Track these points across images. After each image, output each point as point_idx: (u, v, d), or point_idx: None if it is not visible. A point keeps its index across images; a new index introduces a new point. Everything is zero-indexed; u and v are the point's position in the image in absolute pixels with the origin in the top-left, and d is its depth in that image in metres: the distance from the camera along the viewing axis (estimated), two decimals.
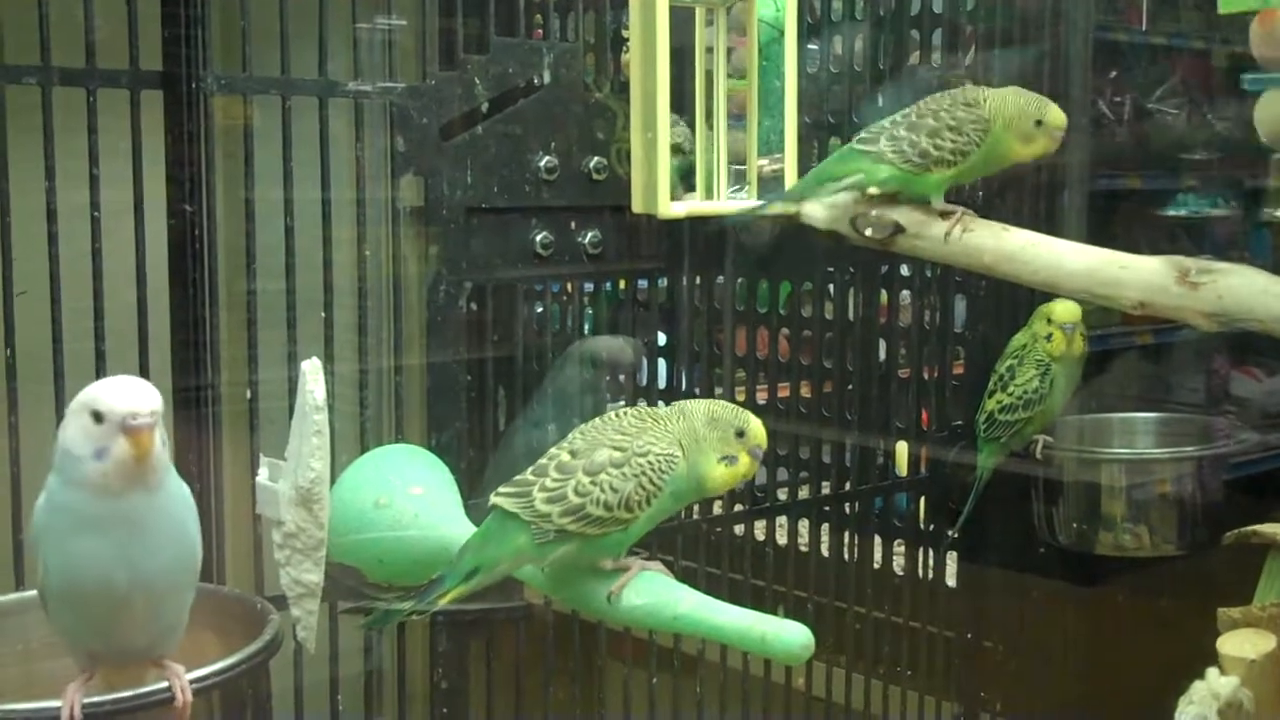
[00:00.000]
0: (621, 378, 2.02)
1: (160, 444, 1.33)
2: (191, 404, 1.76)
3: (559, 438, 1.60)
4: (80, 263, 1.68)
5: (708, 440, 1.56)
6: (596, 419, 1.59)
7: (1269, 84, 2.27)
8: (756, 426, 1.58)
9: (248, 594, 1.65)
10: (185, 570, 1.41)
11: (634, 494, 1.50)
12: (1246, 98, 2.41)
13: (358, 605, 1.59)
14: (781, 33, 2.02)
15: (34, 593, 1.47)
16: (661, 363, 2.64)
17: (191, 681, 1.36)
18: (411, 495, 1.68)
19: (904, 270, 2.48)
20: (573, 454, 1.52)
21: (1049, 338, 2.34)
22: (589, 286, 2.17)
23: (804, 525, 2.41)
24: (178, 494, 1.39)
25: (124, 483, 1.31)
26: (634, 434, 1.54)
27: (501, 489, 1.53)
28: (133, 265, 1.71)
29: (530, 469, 1.54)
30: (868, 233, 1.99)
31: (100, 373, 1.66)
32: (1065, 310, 2.33)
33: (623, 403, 2.06)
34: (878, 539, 2.50)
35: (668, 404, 2.27)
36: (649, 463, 1.52)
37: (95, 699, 1.32)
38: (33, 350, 1.66)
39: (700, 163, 2.01)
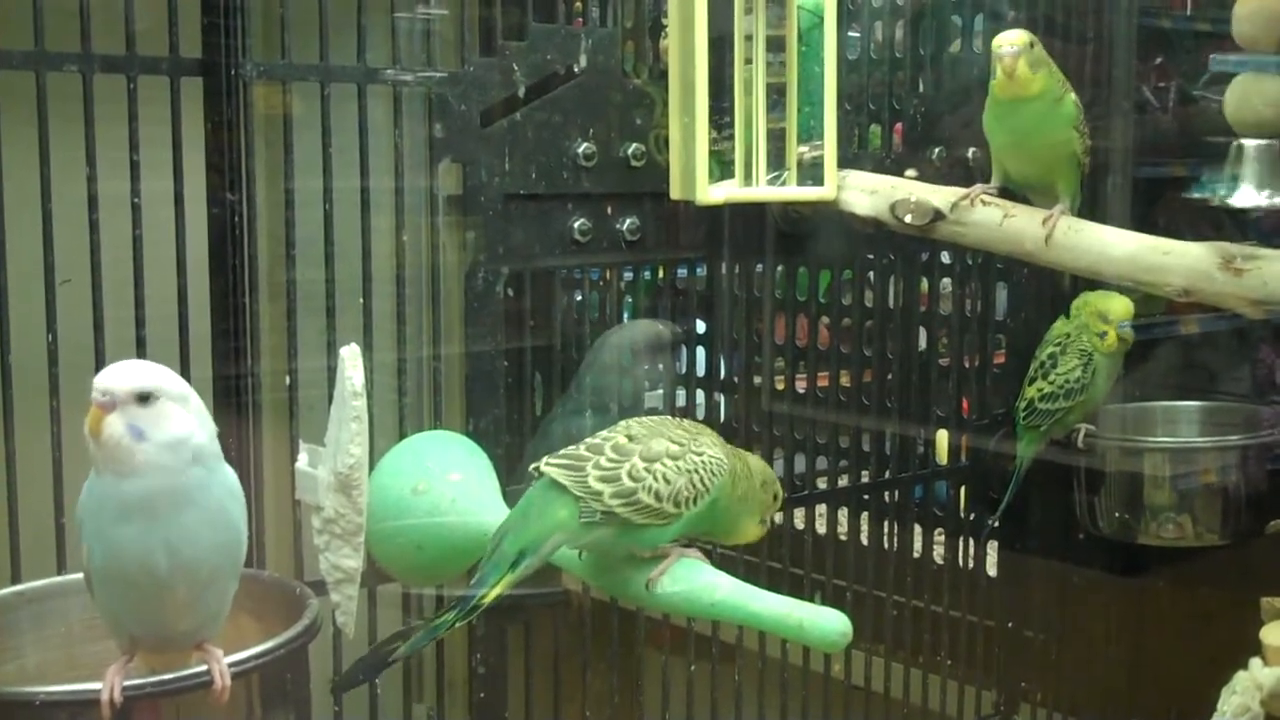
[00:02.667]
0: (660, 364, 2.02)
1: (121, 430, 1.32)
2: (231, 391, 1.76)
3: (598, 424, 1.61)
4: (121, 251, 1.69)
5: (755, 493, 1.60)
6: (650, 418, 1.60)
7: (1241, 66, 2.30)
8: (779, 490, 1.64)
9: (287, 579, 1.65)
10: (228, 557, 1.41)
11: (685, 489, 1.51)
12: None
13: (393, 639, 1.59)
14: (822, 19, 2.01)
15: (76, 577, 1.48)
16: (700, 351, 2.63)
17: (230, 665, 1.37)
18: (450, 481, 1.69)
19: (945, 257, 2.46)
20: (630, 438, 1.53)
21: (1102, 335, 2.32)
22: (628, 274, 2.17)
23: (843, 514, 2.40)
24: (223, 480, 1.40)
25: (93, 454, 1.33)
26: (691, 435, 1.56)
27: (551, 459, 1.52)
28: (173, 253, 1.72)
29: (584, 444, 1.53)
30: (908, 219, 1.98)
31: (141, 360, 1.66)
32: (1121, 307, 2.31)
33: (661, 390, 2.06)
34: (917, 528, 2.48)
35: (707, 392, 2.28)
36: (704, 462, 1.53)
37: (135, 681, 1.32)
38: (74, 338, 1.67)
39: (739, 149, 2.00)
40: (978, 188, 1.99)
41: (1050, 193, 1.99)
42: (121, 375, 1.33)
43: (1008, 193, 2.01)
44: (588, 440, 1.55)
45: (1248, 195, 2.31)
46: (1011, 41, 1.90)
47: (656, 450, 1.52)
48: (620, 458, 1.51)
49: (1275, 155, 2.34)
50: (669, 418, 1.61)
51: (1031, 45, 1.91)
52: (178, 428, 1.35)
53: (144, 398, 1.33)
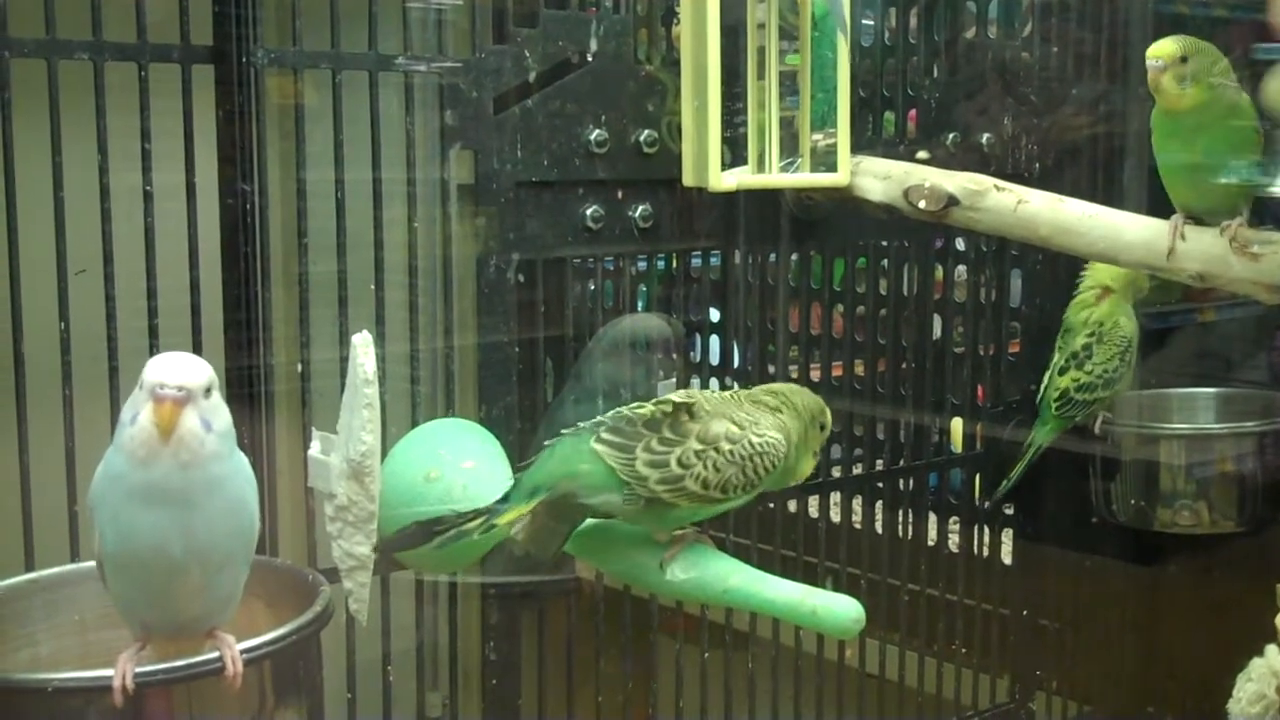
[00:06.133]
0: (660, 355, 2.01)
1: (198, 425, 1.32)
2: (244, 380, 1.76)
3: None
4: (133, 240, 1.69)
5: (806, 435, 1.57)
6: (716, 394, 1.57)
7: None
8: (829, 418, 1.61)
9: (299, 566, 1.65)
10: (242, 543, 1.42)
11: (734, 478, 1.49)
12: None
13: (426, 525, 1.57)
14: (835, 5, 2.00)
15: (89, 564, 1.49)
16: (714, 339, 2.63)
17: (242, 652, 1.37)
18: (462, 469, 1.69)
19: (959, 244, 2.45)
20: (691, 415, 1.50)
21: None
22: (641, 262, 2.16)
23: (858, 501, 2.40)
24: (238, 467, 1.40)
25: (146, 451, 1.31)
26: (752, 420, 1.52)
27: (606, 434, 1.50)
28: (185, 243, 1.72)
29: (651, 408, 1.50)
30: (921, 205, 1.97)
31: (153, 350, 1.67)
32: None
33: (673, 381, 2.05)
34: (932, 516, 2.48)
35: (721, 382, 2.27)
36: (759, 451, 1.50)
37: (147, 668, 1.33)
38: (86, 327, 1.67)
39: (752, 136, 1.99)
40: (1177, 220, 1.81)
41: (1230, 211, 1.81)
42: (189, 370, 1.33)
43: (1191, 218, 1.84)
44: (656, 403, 1.51)
45: None
46: (1156, 54, 1.75)
47: (715, 433, 1.49)
48: (677, 438, 1.48)
49: None
50: (730, 395, 1.56)
51: (1185, 59, 1.74)
52: (227, 417, 1.38)
53: (209, 391, 1.35)
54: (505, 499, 1.51)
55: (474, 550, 1.66)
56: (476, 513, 1.51)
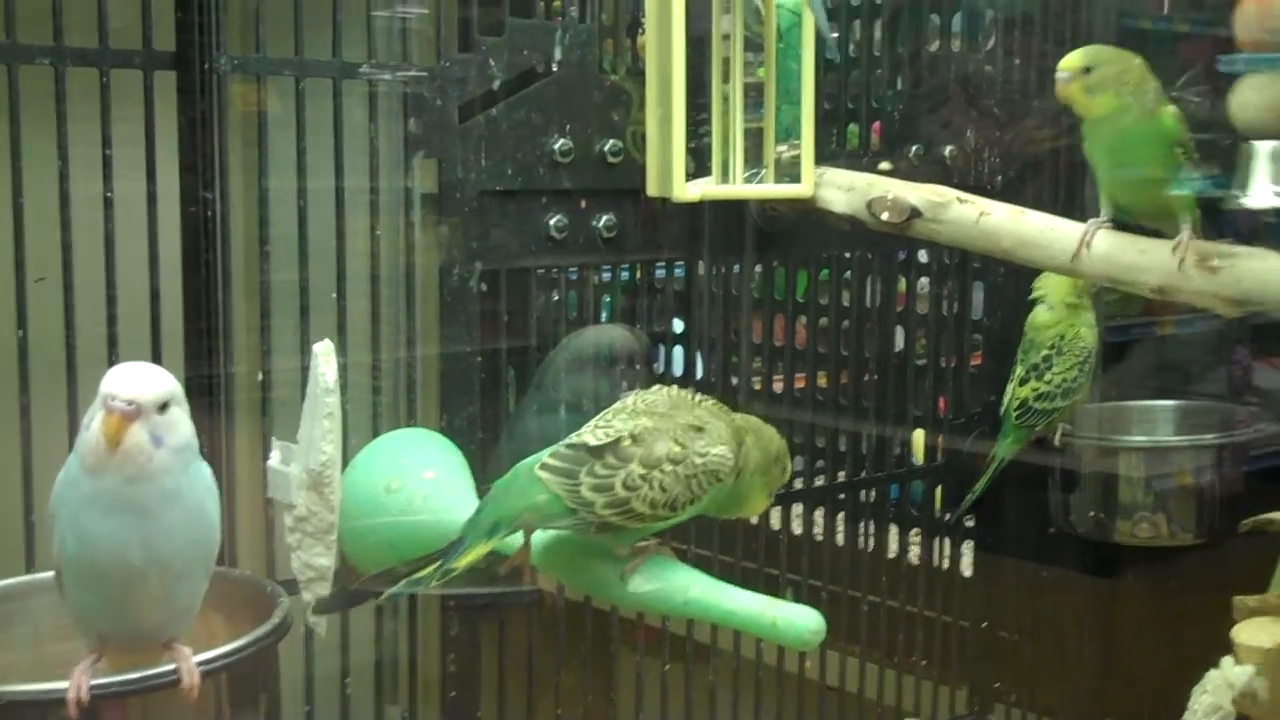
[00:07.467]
0: (624, 366, 2.00)
1: (145, 439, 1.31)
2: (204, 389, 1.75)
3: (569, 426, 1.58)
4: (93, 247, 1.68)
5: (766, 470, 1.57)
6: (666, 397, 1.55)
7: (1255, 65, 2.26)
8: (789, 465, 1.61)
9: (258, 577, 1.65)
10: (201, 553, 1.41)
11: (682, 495, 1.48)
12: None
13: (379, 578, 1.55)
14: (800, 17, 2.00)
15: (45, 575, 1.48)
16: (678, 350, 2.63)
17: (199, 664, 1.36)
18: (423, 479, 1.68)
19: (922, 256, 2.46)
20: (634, 439, 1.49)
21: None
22: (605, 272, 2.16)
23: (819, 513, 2.40)
24: (196, 479, 1.39)
25: (94, 460, 1.31)
26: (698, 431, 1.51)
27: (549, 459, 1.49)
28: (146, 250, 1.71)
29: (591, 434, 1.49)
30: (884, 216, 1.97)
31: (112, 359, 1.65)
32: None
33: (635, 392, 2.05)
34: (893, 527, 2.48)
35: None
36: (705, 464, 1.49)
37: (103, 680, 1.32)
38: (46, 335, 1.66)
39: (716, 147, 2.00)
40: (1092, 224, 1.86)
41: (1169, 221, 1.83)
42: (144, 384, 1.32)
43: (1126, 226, 1.87)
44: (597, 427, 1.50)
45: (1264, 195, 2.29)
46: (1063, 67, 1.81)
47: (658, 454, 1.47)
48: (619, 463, 1.47)
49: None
50: (690, 397, 1.55)
51: (1088, 70, 1.80)
52: (185, 432, 1.36)
53: (163, 406, 1.33)
54: (461, 540, 1.48)
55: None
56: (428, 559, 1.48)
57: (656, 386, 1.57)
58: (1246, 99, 2.31)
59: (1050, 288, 2.35)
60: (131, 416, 1.30)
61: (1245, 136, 2.31)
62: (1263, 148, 2.30)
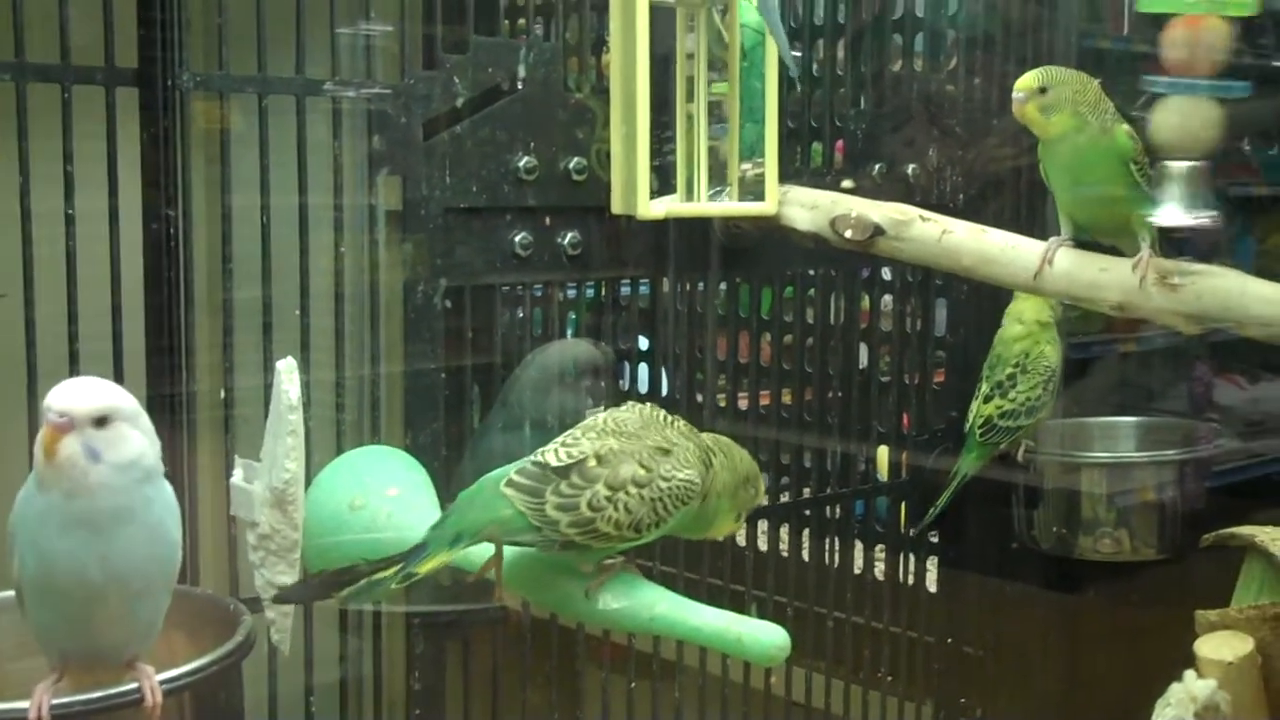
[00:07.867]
0: (587, 384, 2.00)
1: (79, 452, 1.30)
2: (167, 407, 1.74)
3: (534, 442, 1.57)
4: (55, 263, 1.67)
5: (734, 491, 1.56)
6: (635, 417, 1.54)
7: (1175, 89, 2.30)
8: (761, 488, 1.59)
9: (221, 595, 1.64)
10: (162, 570, 1.40)
11: (646, 517, 1.48)
12: (1226, 105, 2.42)
13: (341, 574, 1.53)
14: (764, 37, 2.01)
15: (4, 594, 1.46)
16: (643, 367, 2.63)
17: (162, 683, 1.35)
18: (387, 497, 1.67)
19: (885, 274, 2.47)
20: (599, 459, 1.48)
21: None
22: (570, 290, 2.16)
23: (785, 529, 2.40)
24: (153, 496, 1.38)
25: (38, 473, 1.31)
26: (665, 454, 1.50)
27: (515, 476, 1.48)
28: (108, 267, 1.70)
29: (557, 451, 1.48)
30: (848, 234, 1.98)
31: (74, 375, 1.64)
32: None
33: (602, 408, 2.05)
34: (858, 544, 2.49)
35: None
36: (671, 489, 1.49)
37: (64, 699, 1.30)
38: (6, 351, 1.65)
39: (680, 165, 2.00)
40: (1053, 242, 1.87)
41: (1128, 239, 1.85)
42: (80, 396, 1.31)
43: (1086, 244, 1.88)
44: (563, 445, 1.49)
45: (1173, 214, 2.33)
46: (1018, 87, 1.82)
47: (623, 477, 1.46)
48: (584, 483, 1.46)
49: (1198, 175, 2.36)
50: (661, 418, 1.54)
51: (1044, 90, 1.81)
52: (131, 449, 1.34)
53: (101, 420, 1.31)
54: (423, 545, 1.47)
55: None
56: (390, 560, 1.47)
57: (628, 404, 1.56)
58: (1164, 120, 2.36)
59: (1025, 307, 2.37)
60: (64, 429, 1.29)
61: (1161, 156, 2.34)
62: (1175, 168, 2.34)
